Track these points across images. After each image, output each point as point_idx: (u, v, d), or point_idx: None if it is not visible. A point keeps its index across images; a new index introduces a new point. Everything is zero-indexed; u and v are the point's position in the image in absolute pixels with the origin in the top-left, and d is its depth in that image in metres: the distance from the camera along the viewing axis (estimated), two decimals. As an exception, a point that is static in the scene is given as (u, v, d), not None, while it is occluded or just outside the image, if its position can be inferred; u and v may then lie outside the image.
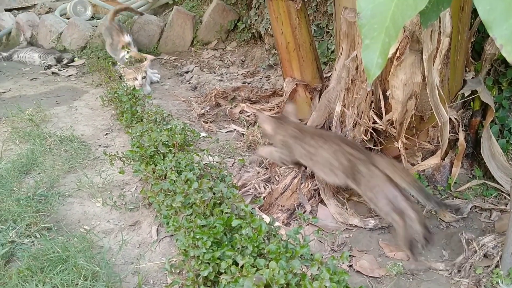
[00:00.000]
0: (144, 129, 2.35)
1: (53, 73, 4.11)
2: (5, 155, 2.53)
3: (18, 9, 5.63)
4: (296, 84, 2.54)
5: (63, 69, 4.20)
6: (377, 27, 0.79)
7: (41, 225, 1.90)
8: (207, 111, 3.11)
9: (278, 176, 2.19)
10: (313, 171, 2.06)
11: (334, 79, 2.21)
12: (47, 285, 1.54)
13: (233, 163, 2.42)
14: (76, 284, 1.55)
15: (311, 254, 1.42)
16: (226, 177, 2.01)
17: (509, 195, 2.01)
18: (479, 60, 2.17)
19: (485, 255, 1.67)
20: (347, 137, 2.10)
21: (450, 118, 1.95)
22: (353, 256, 1.76)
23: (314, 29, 3.39)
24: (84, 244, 1.76)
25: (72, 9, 4.98)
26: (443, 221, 1.94)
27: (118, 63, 3.79)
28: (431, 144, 2.11)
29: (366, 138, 2.08)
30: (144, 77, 3.38)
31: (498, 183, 2.05)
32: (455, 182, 2.09)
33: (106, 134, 2.85)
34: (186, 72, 4.08)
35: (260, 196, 2.07)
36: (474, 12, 1.97)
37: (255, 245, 1.44)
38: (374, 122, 2.07)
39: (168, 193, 1.84)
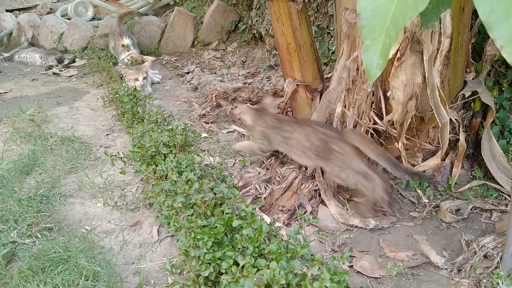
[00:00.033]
0: (145, 129, 2.35)
1: (54, 73, 4.12)
2: (6, 156, 2.54)
3: (19, 9, 5.65)
4: (297, 84, 2.54)
5: (64, 70, 4.21)
6: (377, 28, 0.80)
7: (42, 225, 1.90)
8: (208, 112, 3.11)
9: (278, 176, 2.19)
10: (289, 156, 2.18)
11: (335, 80, 2.21)
12: (48, 285, 1.54)
13: (233, 164, 2.43)
14: (77, 284, 1.55)
15: (312, 255, 1.42)
16: (227, 177, 2.01)
17: (509, 195, 2.01)
18: (480, 61, 2.17)
19: (485, 256, 1.67)
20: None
21: (450, 119, 1.95)
22: (354, 256, 1.76)
23: (315, 30, 3.39)
24: (85, 244, 1.76)
25: (73, 10, 4.99)
26: (443, 221, 1.94)
27: (119, 64, 3.81)
28: (432, 145, 2.11)
29: (366, 139, 2.09)
30: (145, 78, 3.38)
31: (498, 184, 2.05)
32: (455, 183, 2.09)
33: (107, 134, 2.85)
34: (187, 73, 4.08)
35: (261, 197, 2.07)
36: (475, 13, 1.97)
37: (256, 245, 1.45)
38: (375, 123, 2.07)
39: (169, 194, 1.85)
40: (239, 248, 1.45)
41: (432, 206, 2.02)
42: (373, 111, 2.07)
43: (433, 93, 1.80)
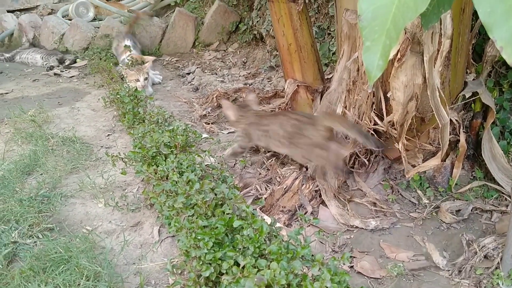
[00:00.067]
0: (146, 130, 2.36)
1: (55, 74, 4.12)
2: (7, 156, 2.54)
3: (20, 10, 5.65)
4: (298, 85, 2.54)
5: (65, 70, 4.22)
6: (378, 29, 0.80)
7: (43, 226, 1.91)
8: (209, 112, 3.12)
9: (279, 177, 2.19)
10: (271, 149, 2.28)
11: (335, 81, 2.22)
12: (49, 285, 1.55)
13: (234, 164, 2.43)
14: (78, 284, 1.56)
15: (312, 255, 1.43)
16: (228, 178, 2.02)
17: (509, 196, 2.01)
18: (480, 62, 2.17)
19: (485, 256, 1.68)
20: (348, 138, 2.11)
21: (450, 120, 1.95)
22: (354, 257, 1.76)
23: (316, 31, 3.39)
24: (86, 244, 1.77)
25: (74, 11, 4.99)
26: (444, 222, 1.94)
27: (120, 64, 3.82)
28: (432, 146, 2.11)
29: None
30: (146, 79, 3.39)
31: (499, 184, 2.05)
32: (456, 184, 2.09)
33: (108, 135, 2.86)
34: (188, 74, 4.09)
35: (262, 197, 2.07)
36: (475, 14, 1.97)
37: (257, 245, 1.45)
38: (375, 124, 2.08)
39: (170, 194, 1.85)
40: (240, 249, 1.46)
41: (432, 206, 2.02)
42: (374, 112, 2.08)
43: (434, 94, 1.80)
